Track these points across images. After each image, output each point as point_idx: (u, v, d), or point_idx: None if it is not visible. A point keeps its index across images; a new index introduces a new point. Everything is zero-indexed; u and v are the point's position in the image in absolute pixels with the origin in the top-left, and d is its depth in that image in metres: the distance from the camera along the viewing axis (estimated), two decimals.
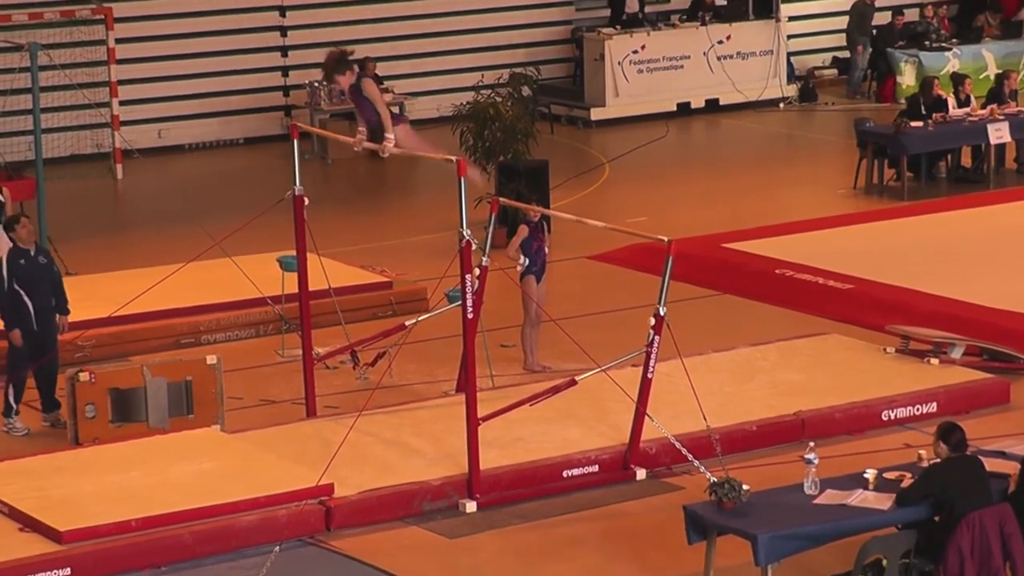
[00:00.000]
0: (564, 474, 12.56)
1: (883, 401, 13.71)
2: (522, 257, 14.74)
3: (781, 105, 26.61)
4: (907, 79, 26.19)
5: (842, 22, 27.46)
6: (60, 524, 11.37)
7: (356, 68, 12.73)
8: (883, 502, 10.62)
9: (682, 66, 26.00)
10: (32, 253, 13.88)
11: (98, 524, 11.40)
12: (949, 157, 22.20)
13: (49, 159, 20.92)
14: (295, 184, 13.44)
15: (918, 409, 13.71)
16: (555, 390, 12.77)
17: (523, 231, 14.75)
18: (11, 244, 14.01)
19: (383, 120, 12.74)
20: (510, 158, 19.68)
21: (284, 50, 25.08)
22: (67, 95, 22.23)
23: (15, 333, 13.75)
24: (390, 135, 12.72)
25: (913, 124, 21.46)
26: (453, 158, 12.39)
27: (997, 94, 22.45)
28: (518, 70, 21.36)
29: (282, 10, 25.02)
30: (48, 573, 11.07)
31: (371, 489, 12.12)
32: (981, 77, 25.43)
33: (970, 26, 27.85)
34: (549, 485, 12.50)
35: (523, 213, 14.84)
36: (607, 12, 26.55)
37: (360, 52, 24.78)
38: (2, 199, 16.52)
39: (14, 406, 13.88)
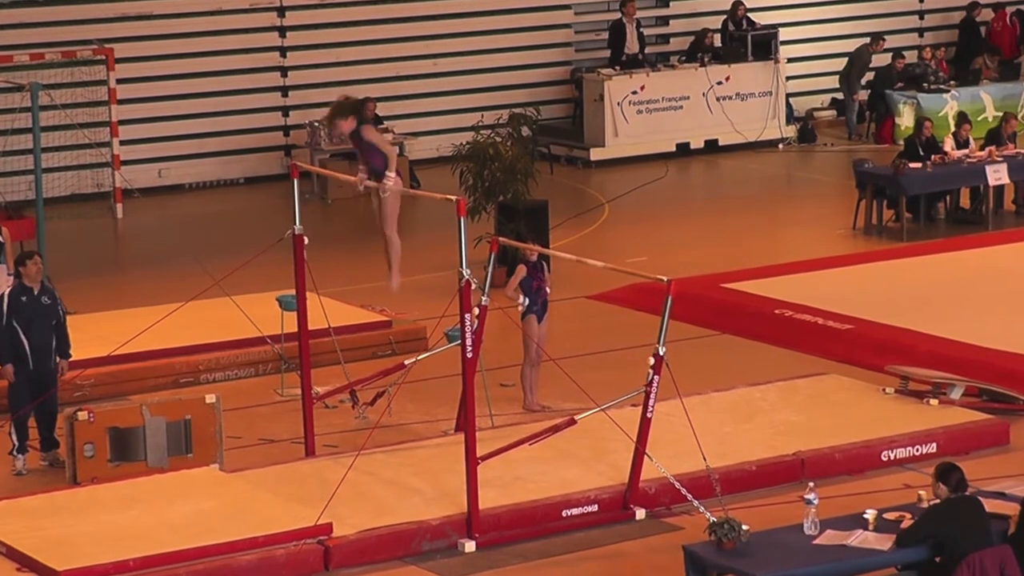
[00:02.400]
0: (563, 514, 12.54)
1: (883, 441, 13.70)
2: (521, 296, 14.75)
3: (780, 146, 26.66)
4: (906, 121, 26.23)
5: (840, 64, 27.53)
6: (58, 564, 11.34)
7: (355, 116, 12.71)
8: (883, 543, 10.60)
9: (681, 107, 26.06)
10: (36, 292, 13.89)
11: (96, 564, 11.37)
12: (948, 198, 22.23)
13: (49, 198, 20.96)
14: (295, 223, 13.47)
15: (918, 450, 13.69)
16: (554, 429, 12.76)
17: (521, 271, 14.76)
18: (9, 281, 14.02)
19: (389, 159, 12.77)
20: (510, 198, 19.70)
21: (284, 90, 25.15)
22: (68, 135, 22.28)
23: (7, 368, 13.76)
24: (391, 173, 12.72)
25: (912, 165, 21.50)
26: (453, 197, 12.40)
27: (996, 136, 22.49)
28: (518, 110, 21.39)
29: (283, 50, 25.11)
30: None
31: (370, 528, 12.10)
32: (979, 119, 25.47)
33: (968, 68, 27.94)
34: (548, 525, 12.48)
35: (522, 253, 14.86)
36: (607, 53, 26.62)
37: (360, 92, 24.85)
38: (1, 239, 16.54)
39: (16, 444, 13.88)
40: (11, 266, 15.87)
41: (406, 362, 14.16)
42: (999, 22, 28.89)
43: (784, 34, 27.19)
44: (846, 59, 27.43)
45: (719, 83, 26.25)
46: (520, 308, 14.81)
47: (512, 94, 25.78)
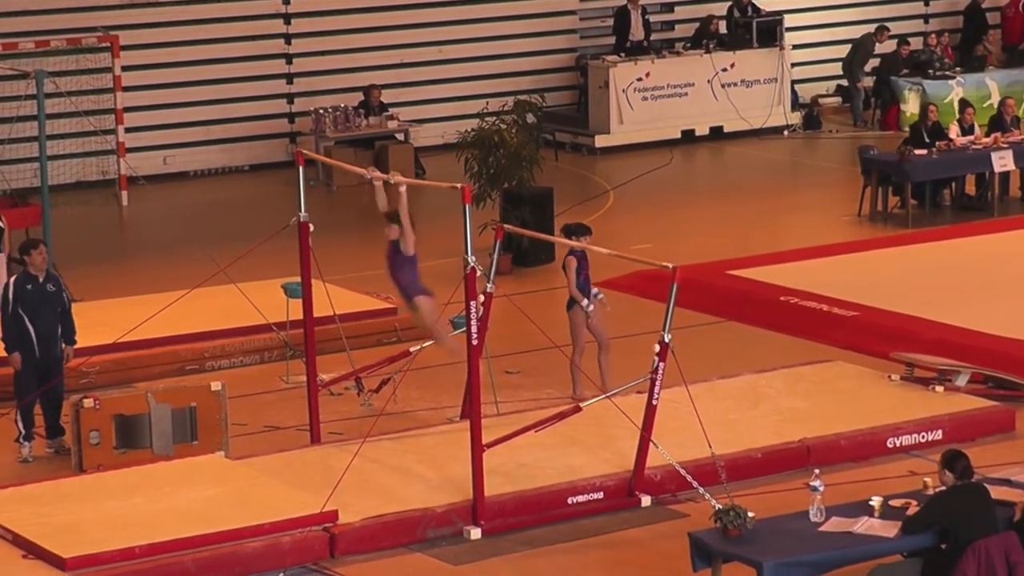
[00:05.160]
0: (569, 501, 12.55)
1: (888, 428, 13.70)
2: (585, 301, 14.57)
3: (785, 133, 26.64)
4: (911, 107, 26.21)
5: (846, 50, 27.50)
6: (63, 551, 11.35)
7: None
8: (888, 530, 10.60)
9: (686, 93, 26.05)
10: (41, 280, 13.91)
11: (101, 551, 11.38)
12: (953, 185, 22.22)
13: (55, 186, 20.95)
14: (300, 211, 13.46)
15: (923, 437, 13.69)
16: (559, 417, 12.76)
17: (572, 263, 14.60)
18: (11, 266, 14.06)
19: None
20: (515, 185, 19.71)
21: (289, 77, 25.14)
22: (73, 122, 22.27)
23: (15, 357, 13.79)
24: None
25: (917, 152, 21.48)
26: (458, 185, 12.40)
27: (999, 122, 22.48)
28: (523, 97, 21.37)
29: (287, 38, 25.10)
30: None
31: (375, 516, 12.10)
32: (984, 105, 25.44)
33: (973, 54, 27.90)
34: (554, 512, 12.48)
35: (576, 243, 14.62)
36: (612, 40, 26.61)
37: (365, 79, 24.95)
38: (1, 225, 16.56)
39: (22, 431, 13.91)
40: (9, 252, 15.96)
41: (411, 349, 14.16)
42: (1012, 8, 28.82)
43: (789, 20, 27.17)
44: (851, 46, 27.40)
45: (724, 70, 26.23)
46: (592, 306, 14.58)
47: (517, 81, 25.77)
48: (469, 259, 12.13)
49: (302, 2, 25.09)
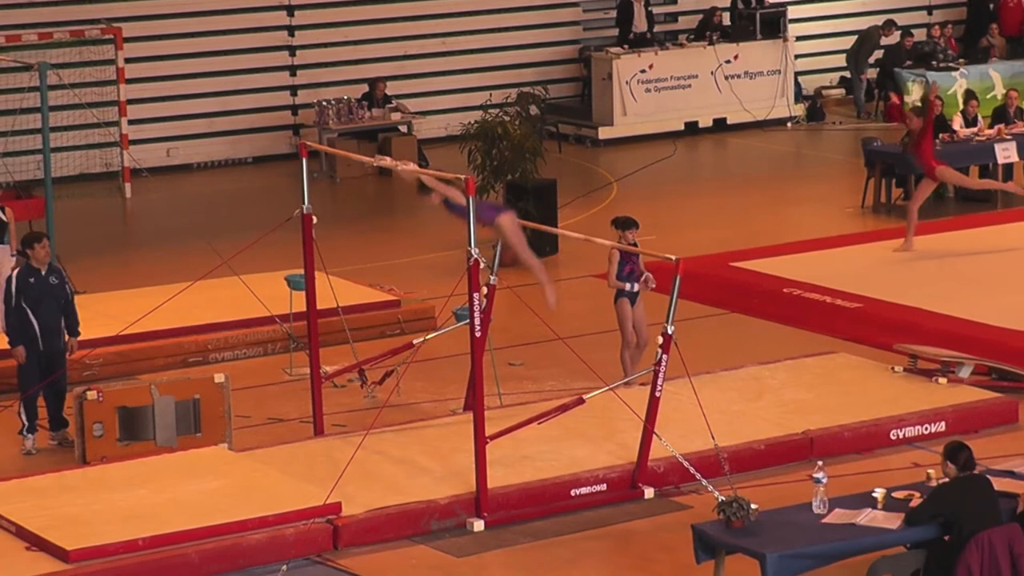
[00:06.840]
0: (572, 493, 12.55)
1: (891, 420, 13.70)
2: (628, 285, 14.52)
3: (789, 124, 26.64)
4: (914, 99, 26.19)
5: (849, 42, 27.48)
6: (67, 543, 11.36)
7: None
8: (892, 521, 10.61)
9: (690, 85, 26.05)
10: (43, 273, 13.93)
11: (105, 543, 11.39)
12: None
13: (58, 178, 20.96)
14: (303, 203, 13.46)
15: (926, 428, 13.69)
16: (563, 409, 12.77)
17: (614, 255, 14.54)
18: (12, 261, 14.05)
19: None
20: (518, 177, 19.71)
21: (293, 69, 25.14)
22: (76, 114, 22.29)
23: (19, 350, 13.81)
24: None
25: None
26: (462, 176, 12.40)
27: (1003, 114, 22.47)
28: (526, 89, 21.40)
29: (291, 30, 25.10)
30: None
31: (379, 508, 12.11)
32: (988, 97, 25.42)
33: (977, 46, 27.88)
34: (557, 504, 12.49)
35: (620, 238, 14.58)
36: (615, 31, 26.60)
37: (369, 72, 24.96)
38: (4, 218, 16.56)
39: (26, 423, 13.93)
40: (15, 246, 15.94)
41: (415, 341, 14.17)
42: None
43: (793, 12, 27.17)
44: (854, 37, 27.40)
45: (727, 61, 26.23)
46: (636, 286, 14.52)
47: (520, 73, 25.77)
48: (472, 251, 12.13)
49: None
